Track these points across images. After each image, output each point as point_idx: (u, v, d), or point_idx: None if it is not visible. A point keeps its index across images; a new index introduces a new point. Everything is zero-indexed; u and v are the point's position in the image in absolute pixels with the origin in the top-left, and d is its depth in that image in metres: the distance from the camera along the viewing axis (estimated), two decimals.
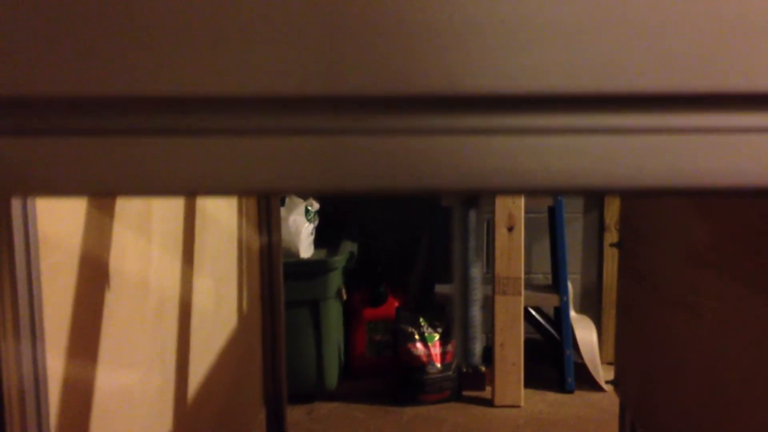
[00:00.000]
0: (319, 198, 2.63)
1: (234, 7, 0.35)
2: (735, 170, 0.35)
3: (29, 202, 0.75)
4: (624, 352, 1.70)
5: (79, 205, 0.90)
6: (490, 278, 2.52)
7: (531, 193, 0.36)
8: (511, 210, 2.48)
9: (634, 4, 0.34)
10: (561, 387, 2.62)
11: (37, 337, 0.77)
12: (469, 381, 2.61)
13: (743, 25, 0.34)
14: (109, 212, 0.99)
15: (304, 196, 2.55)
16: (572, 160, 0.36)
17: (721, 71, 0.34)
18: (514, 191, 0.35)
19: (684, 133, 0.35)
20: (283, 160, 0.36)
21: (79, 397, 0.92)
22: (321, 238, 2.61)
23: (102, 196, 0.95)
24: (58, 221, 0.85)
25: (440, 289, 2.74)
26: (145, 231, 1.14)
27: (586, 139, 0.36)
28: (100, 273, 0.97)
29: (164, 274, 1.24)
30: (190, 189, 0.38)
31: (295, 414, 2.44)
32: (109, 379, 1.00)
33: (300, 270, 2.40)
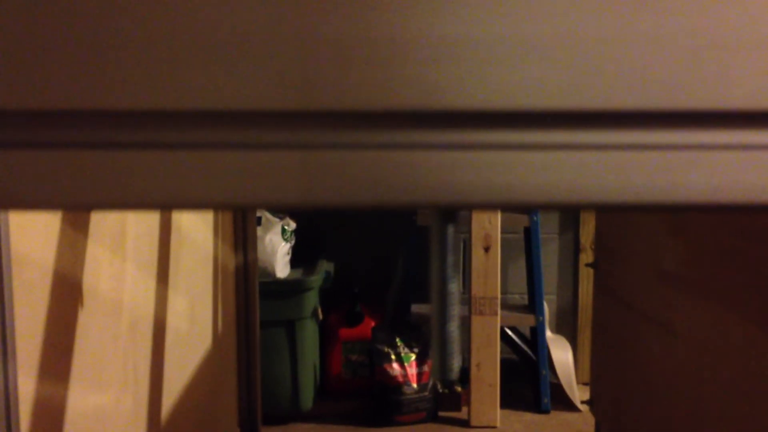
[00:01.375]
0: (295, 217, 2.62)
1: (211, 22, 0.35)
2: (708, 186, 0.36)
3: (2, 217, 0.74)
4: (600, 372, 1.71)
5: (52, 223, 0.89)
6: (466, 298, 2.53)
7: (507, 207, 0.36)
8: (488, 230, 2.49)
9: (608, 22, 0.35)
10: (537, 407, 2.62)
11: (8, 354, 0.76)
12: (446, 401, 2.60)
13: (716, 44, 0.35)
14: (83, 230, 0.98)
15: (281, 216, 2.55)
16: (548, 176, 0.36)
17: (694, 89, 0.35)
18: (490, 206, 0.36)
19: (658, 149, 0.36)
20: (261, 174, 0.36)
21: (51, 416, 0.91)
22: (297, 258, 2.61)
23: (77, 210, 0.94)
24: (31, 238, 0.84)
25: (416, 309, 2.74)
26: (120, 249, 1.13)
27: (562, 154, 0.36)
28: (73, 291, 0.96)
29: (138, 292, 1.23)
30: (166, 203, 0.38)
31: None
32: (82, 398, 0.99)
33: (276, 290, 2.39)
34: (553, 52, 0.35)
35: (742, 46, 0.35)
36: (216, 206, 0.38)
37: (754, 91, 0.35)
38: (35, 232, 0.85)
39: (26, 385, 0.83)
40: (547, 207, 0.36)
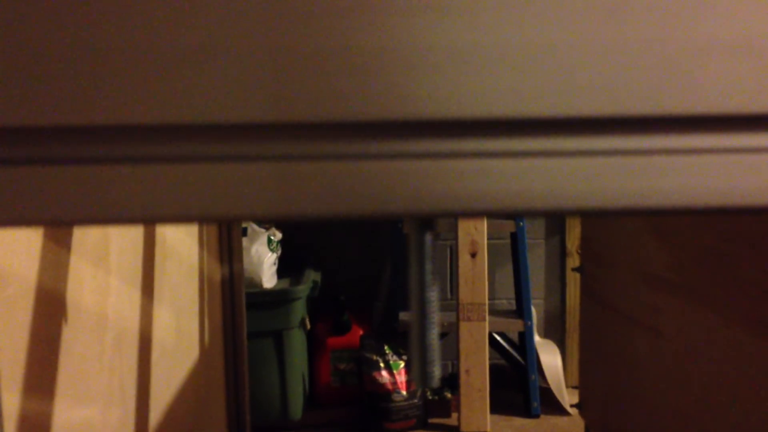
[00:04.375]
0: (281, 228, 2.62)
1: (186, 36, 0.35)
2: (681, 190, 0.36)
3: None
4: (588, 376, 1.71)
5: (34, 238, 0.89)
6: (454, 305, 2.53)
7: (484, 215, 0.37)
8: (474, 236, 2.49)
9: (580, 30, 0.35)
10: (527, 412, 2.63)
11: None
12: (435, 408, 2.60)
13: (686, 49, 0.35)
14: (65, 245, 0.98)
15: (266, 227, 2.54)
16: (524, 183, 0.36)
17: (665, 94, 0.35)
18: (466, 214, 0.36)
19: (631, 154, 0.36)
20: (238, 186, 0.36)
21: None
22: (284, 268, 2.60)
23: (57, 225, 0.94)
24: (12, 254, 0.83)
25: (404, 316, 2.74)
26: (103, 263, 1.13)
27: (538, 161, 0.36)
28: (56, 306, 0.95)
29: (123, 306, 1.23)
30: (145, 217, 0.38)
31: None
32: (68, 413, 0.98)
33: (263, 300, 2.39)
34: (527, 60, 0.35)
35: (712, 51, 0.35)
36: (195, 219, 0.38)
37: (725, 95, 0.35)
38: (17, 248, 0.85)
39: (11, 402, 0.83)
40: (525, 214, 0.37)
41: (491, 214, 0.37)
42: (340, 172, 0.36)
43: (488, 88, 0.35)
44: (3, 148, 0.36)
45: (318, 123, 0.35)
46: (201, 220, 0.36)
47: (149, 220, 0.38)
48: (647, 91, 0.35)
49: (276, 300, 2.43)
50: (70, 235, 0.99)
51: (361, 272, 2.93)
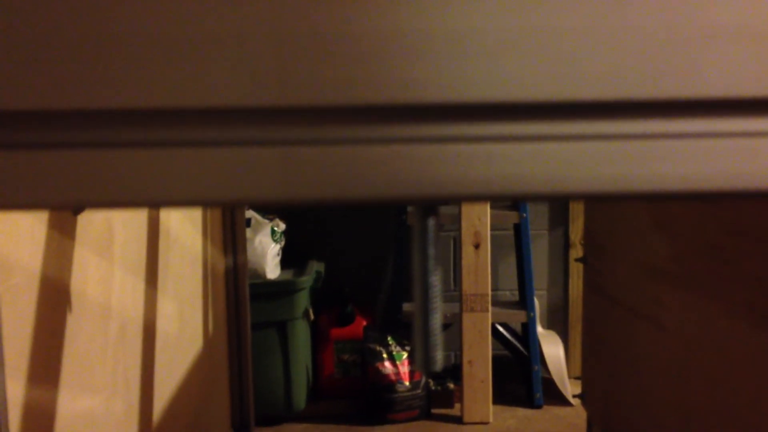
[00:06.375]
0: (285, 218, 2.62)
1: (190, 20, 0.35)
2: (683, 174, 0.36)
3: None
4: (590, 367, 1.72)
5: (38, 227, 0.89)
6: (457, 296, 2.53)
7: (488, 199, 0.37)
8: (477, 227, 2.49)
9: (584, 14, 0.35)
10: (529, 402, 2.63)
11: None
12: (438, 398, 2.61)
13: (689, 34, 0.35)
14: (70, 234, 0.98)
15: (270, 217, 2.54)
16: (528, 167, 0.36)
17: (669, 78, 0.35)
18: (470, 198, 0.36)
19: (634, 139, 0.36)
20: (243, 170, 0.36)
21: (41, 422, 0.91)
22: (287, 259, 2.60)
23: (64, 209, 0.94)
24: (17, 243, 0.84)
25: (407, 307, 2.74)
26: (107, 253, 1.13)
27: (541, 146, 0.36)
28: (61, 295, 0.96)
29: (127, 296, 1.23)
30: (150, 201, 0.38)
31: None
32: (72, 403, 0.98)
33: (266, 291, 2.39)
34: (530, 44, 0.35)
35: (715, 36, 0.35)
36: (200, 203, 0.38)
37: (728, 80, 0.35)
38: (21, 237, 0.85)
39: (15, 391, 0.83)
40: (528, 198, 0.37)
41: (495, 199, 0.37)
42: (344, 156, 0.36)
43: (491, 73, 0.35)
44: (10, 132, 0.37)
45: (322, 107, 0.35)
46: (206, 204, 0.37)
47: (155, 204, 0.38)
48: (650, 76, 0.35)
49: (279, 291, 2.43)
50: (74, 224, 0.99)
51: (364, 264, 2.93)
